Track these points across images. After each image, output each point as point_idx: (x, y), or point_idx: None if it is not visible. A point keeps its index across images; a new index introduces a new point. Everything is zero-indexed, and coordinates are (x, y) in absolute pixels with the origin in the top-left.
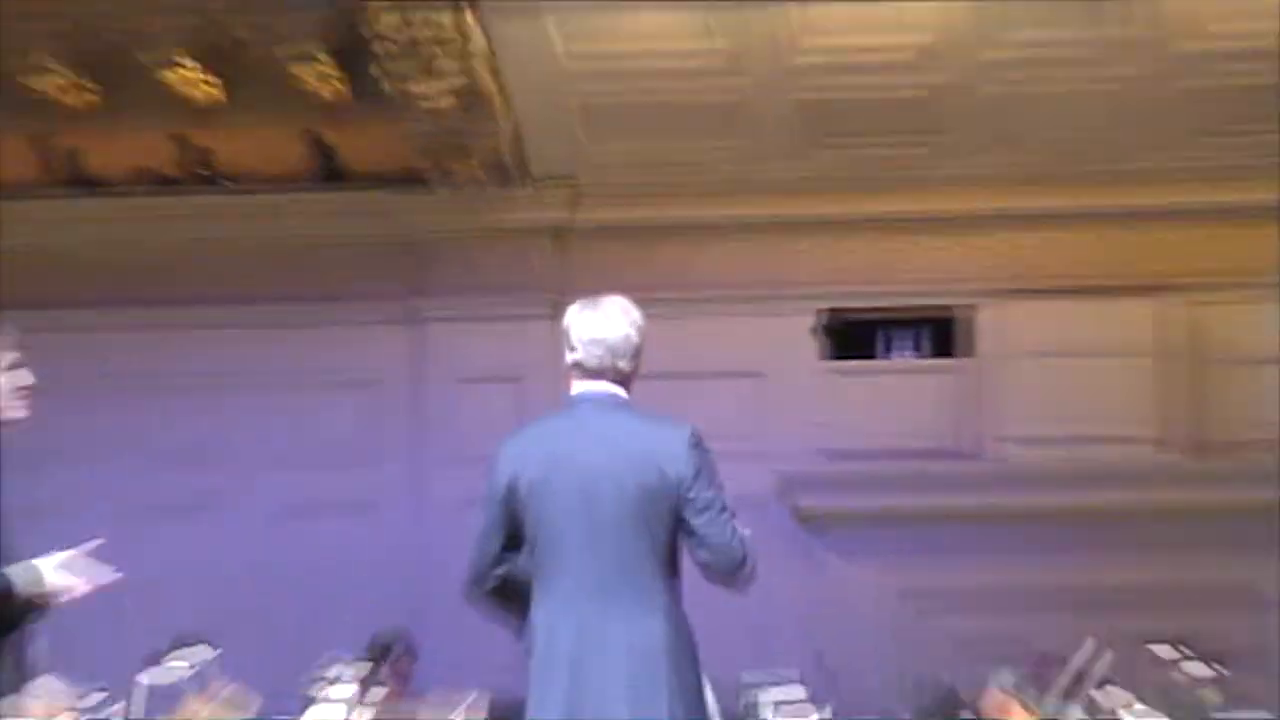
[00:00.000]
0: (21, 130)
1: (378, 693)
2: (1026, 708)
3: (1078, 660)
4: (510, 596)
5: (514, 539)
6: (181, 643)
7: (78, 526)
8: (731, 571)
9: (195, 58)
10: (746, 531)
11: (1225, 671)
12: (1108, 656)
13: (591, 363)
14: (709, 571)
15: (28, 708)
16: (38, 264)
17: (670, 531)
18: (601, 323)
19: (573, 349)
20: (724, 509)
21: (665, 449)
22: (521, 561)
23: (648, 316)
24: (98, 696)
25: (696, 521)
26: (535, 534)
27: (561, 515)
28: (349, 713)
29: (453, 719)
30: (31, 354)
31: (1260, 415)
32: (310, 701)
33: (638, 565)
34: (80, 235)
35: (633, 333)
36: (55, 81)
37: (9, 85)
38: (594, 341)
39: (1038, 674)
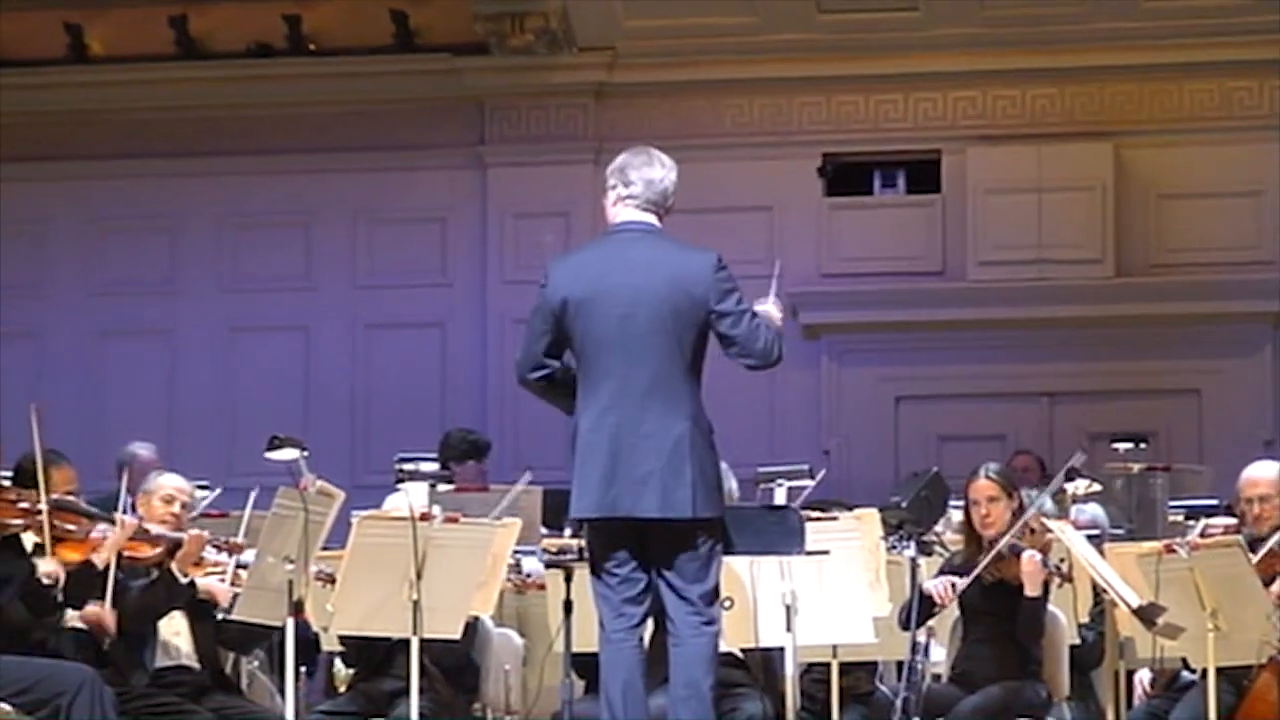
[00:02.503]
0: (134, 2)
1: (446, 488)
2: (1009, 494)
3: (1068, 465)
4: (555, 386)
5: (556, 345)
6: (275, 444)
7: (186, 346)
8: (769, 364)
9: None
10: (770, 307)
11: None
12: (1079, 459)
13: (639, 198)
14: (750, 368)
15: (150, 501)
16: (151, 120)
17: (696, 345)
18: (650, 166)
19: (628, 184)
20: (753, 315)
21: (693, 272)
22: (565, 362)
23: (675, 161)
24: (201, 492)
25: (733, 332)
26: (581, 344)
27: (603, 329)
28: (424, 499)
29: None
30: (159, 194)
31: (1196, 241)
32: (386, 494)
33: (668, 374)
34: (189, 95)
35: (671, 175)
36: None
37: None
38: (645, 181)
39: (1015, 463)
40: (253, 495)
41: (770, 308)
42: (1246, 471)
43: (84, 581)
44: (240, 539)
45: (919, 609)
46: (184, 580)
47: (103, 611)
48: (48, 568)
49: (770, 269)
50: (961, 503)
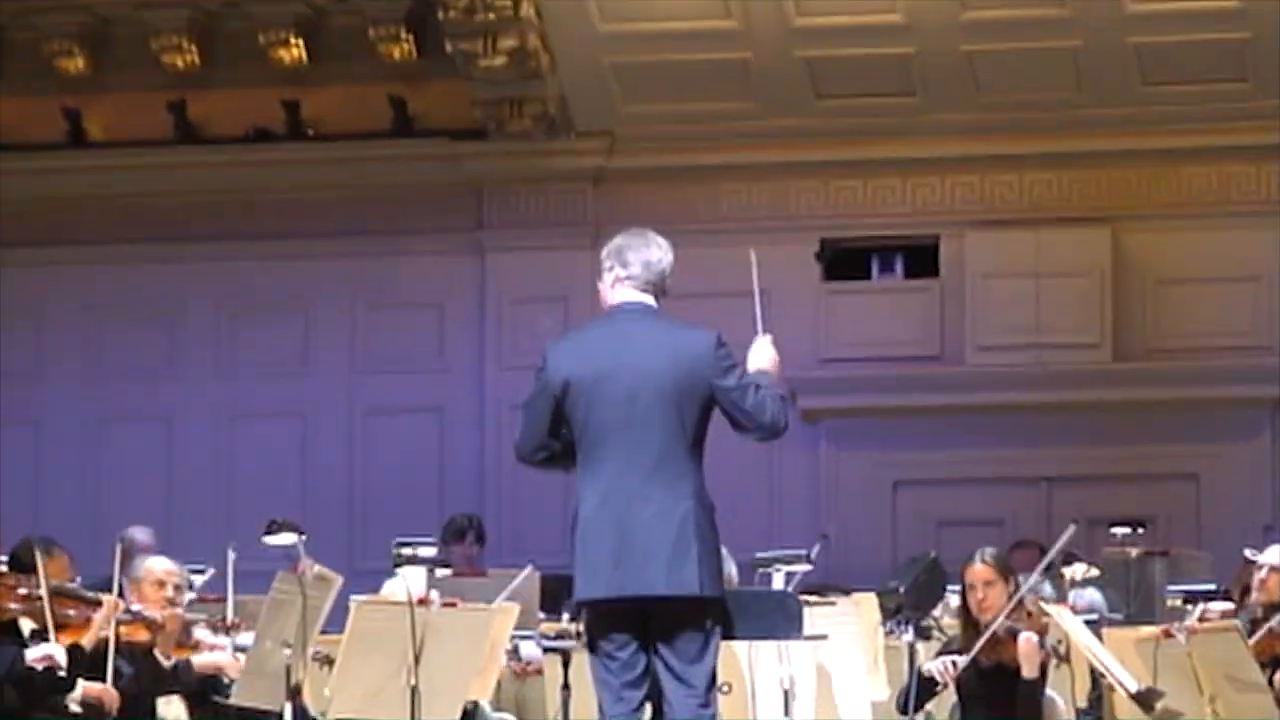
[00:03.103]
0: (132, 86)
1: (445, 573)
2: (1005, 578)
3: (1061, 541)
4: (556, 458)
5: (556, 426)
6: (273, 528)
7: (184, 431)
8: (776, 435)
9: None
10: (776, 393)
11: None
12: (1073, 533)
13: (638, 279)
14: (758, 441)
15: (141, 586)
16: (149, 205)
17: (698, 423)
18: (648, 248)
19: (626, 265)
20: (757, 388)
21: (695, 350)
22: (563, 449)
23: (674, 246)
24: (199, 577)
25: (740, 407)
26: (583, 425)
27: (606, 409)
28: (422, 583)
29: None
30: (157, 279)
31: (1195, 326)
32: (384, 579)
33: (672, 453)
34: (188, 180)
35: (667, 257)
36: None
37: (129, 47)
38: (643, 263)
39: (1015, 554)
40: (230, 558)
41: (763, 348)
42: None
43: (74, 664)
44: (232, 617)
45: (918, 692)
46: (167, 664)
47: (104, 689)
48: (37, 654)
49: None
50: (959, 587)
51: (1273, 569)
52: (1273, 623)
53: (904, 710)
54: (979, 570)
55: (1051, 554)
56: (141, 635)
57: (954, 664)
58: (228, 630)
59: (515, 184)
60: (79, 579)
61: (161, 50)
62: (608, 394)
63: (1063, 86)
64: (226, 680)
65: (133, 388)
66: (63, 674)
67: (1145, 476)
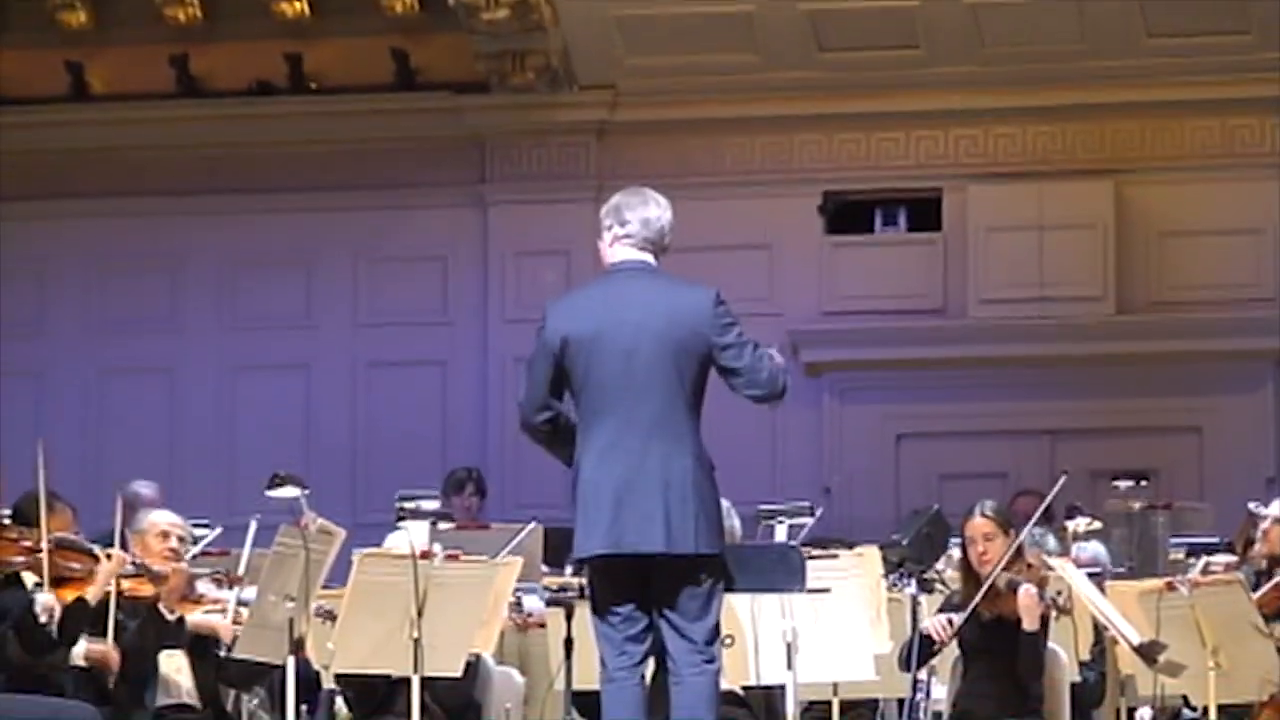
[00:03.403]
0: (135, 40)
1: (448, 526)
2: (1005, 531)
3: (1052, 492)
4: (559, 433)
5: (558, 386)
6: (276, 482)
7: (186, 385)
8: (775, 395)
9: None
10: (773, 352)
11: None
12: (1064, 483)
13: (636, 237)
14: (756, 401)
15: (145, 539)
16: (151, 159)
17: (697, 381)
18: (646, 206)
19: (624, 224)
20: (755, 346)
21: (693, 308)
22: (566, 408)
23: (676, 200)
24: (200, 530)
25: (737, 364)
26: (583, 383)
27: (605, 367)
28: (425, 537)
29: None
30: (159, 233)
31: (1198, 278)
32: (387, 533)
33: (670, 411)
34: (190, 134)
35: (666, 214)
36: None
37: (131, 1)
38: (641, 221)
39: (1019, 501)
40: (252, 528)
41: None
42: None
43: (78, 618)
44: (241, 573)
45: (919, 649)
46: (171, 617)
47: (106, 649)
48: (45, 600)
49: (771, 305)
50: (961, 540)
51: (1275, 521)
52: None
53: (906, 667)
54: (979, 523)
55: (1045, 504)
56: (145, 589)
57: (950, 622)
58: (231, 585)
59: (518, 137)
60: (81, 533)
61: (164, 4)
62: (606, 352)
63: (1066, 39)
64: (224, 642)
65: (135, 341)
66: (54, 631)
67: (1148, 429)
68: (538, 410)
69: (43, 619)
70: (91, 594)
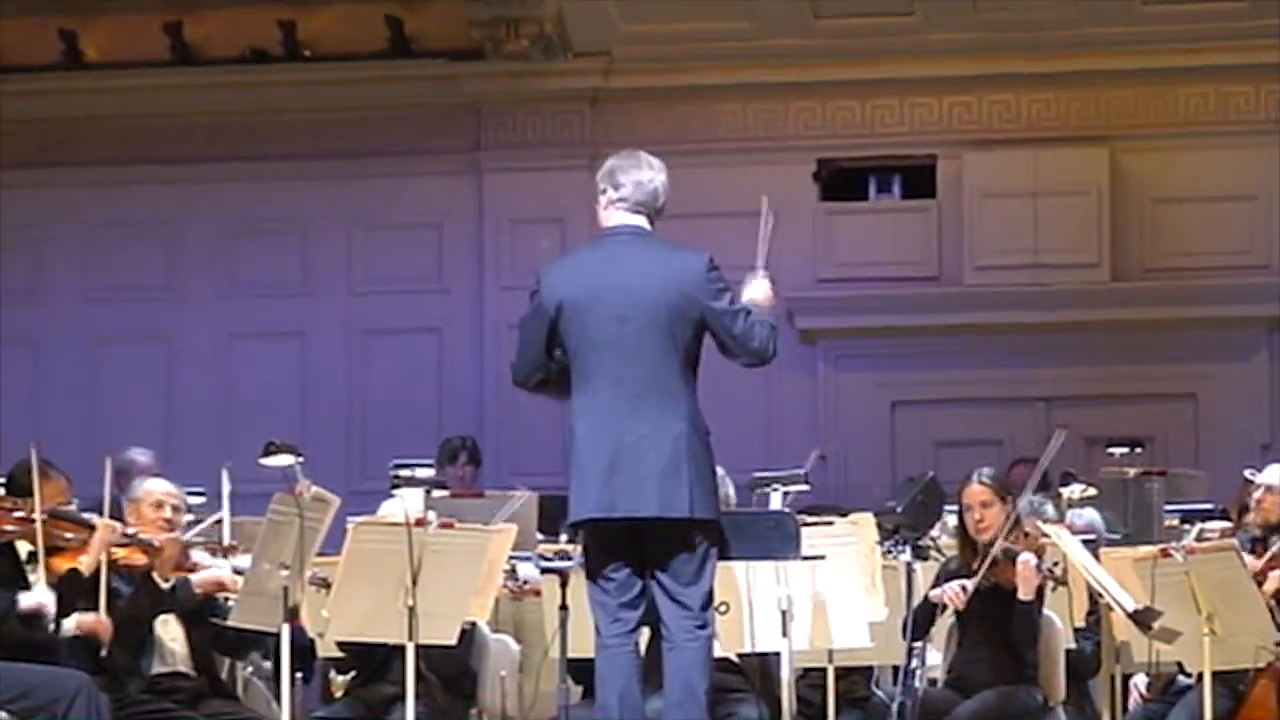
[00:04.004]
0: (129, 8)
1: (442, 494)
2: (1002, 499)
3: (1049, 452)
4: (551, 383)
5: (551, 348)
6: (271, 450)
7: (182, 352)
8: (764, 361)
9: None
10: (760, 304)
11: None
12: (1060, 443)
13: (629, 201)
14: (748, 365)
15: (140, 508)
16: (146, 127)
17: (690, 346)
18: (639, 169)
19: (618, 187)
20: (747, 313)
21: (686, 273)
22: (558, 374)
23: (670, 167)
24: (196, 499)
25: (729, 331)
26: (576, 347)
27: (598, 332)
28: (420, 504)
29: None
30: (155, 201)
31: (1192, 245)
32: (382, 501)
33: (664, 376)
34: (184, 102)
35: (660, 177)
36: None
37: None
38: (634, 184)
39: (1016, 469)
40: (226, 486)
41: (760, 285)
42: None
43: (73, 590)
44: (229, 540)
45: (925, 616)
46: (165, 585)
47: (98, 620)
48: (29, 603)
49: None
50: (957, 508)
51: (1269, 489)
52: (1275, 548)
53: (912, 635)
54: (976, 491)
55: (1043, 463)
56: (138, 559)
57: (964, 589)
58: (225, 553)
59: (513, 105)
60: (75, 501)
61: None
62: (600, 317)
63: (1061, 6)
64: (224, 600)
65: (131, 308)
66: (51, 624)
67: (1143, 396)
68: (530, 373)
69: (32, 617)
70: (85, 564)
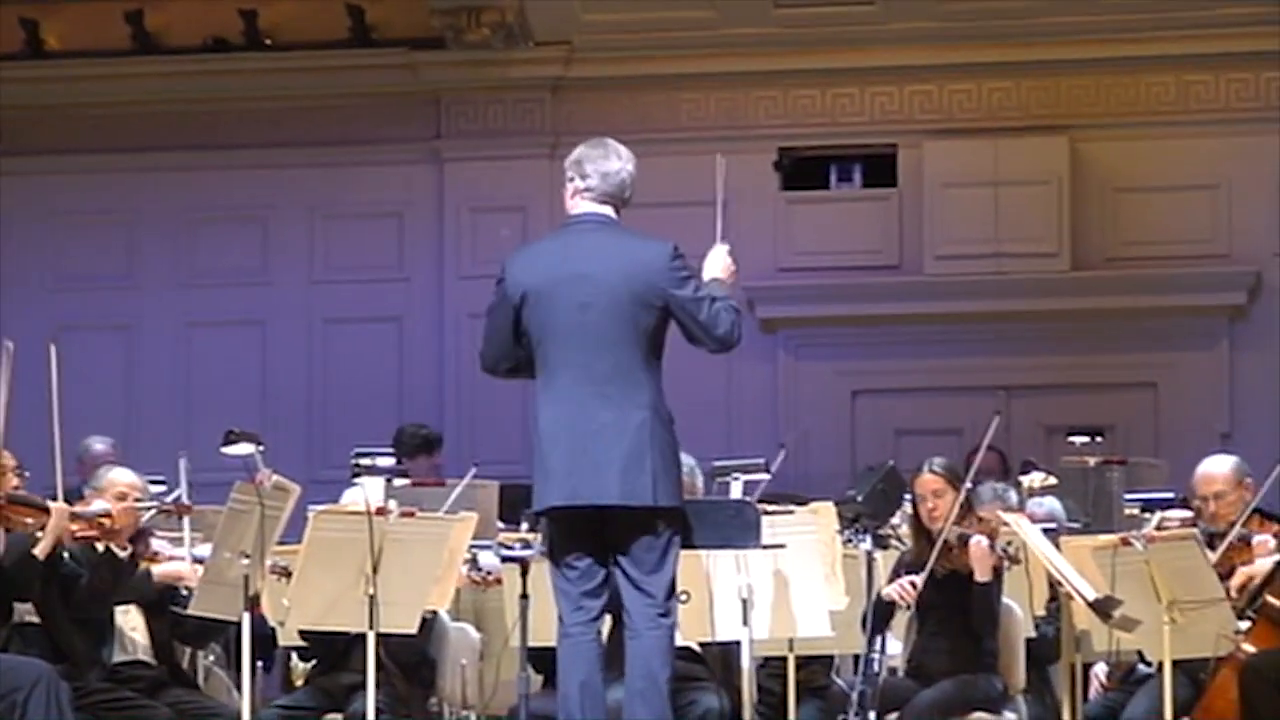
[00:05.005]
0: None
1: (402, 483)
2: (955, 487)
3: (988, 435)
4: (519, 369)
5: (517, 337)
6: (231, 438)
7: (142, 340)
8: (729, 348)
9: None
10: (730, 304)
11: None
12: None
13: (595, 190)
14: (711, 352)
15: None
16: (107, 115)
17: (654, 334)
18: (607, 159)
19: (584, 177)
20: (713, 300)
21: (650, 261)
22: (527, 358)
23: (632, 155)
24: (156, 487)
25: (695, 319)
26: (540, 336)
27: (562, 319)
28: (380, 493)
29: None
30: (115, 189)
31: (1153, 234)
32: (342, 489)
33: (628, 363)
34: (145, 90)
35: (627, 167)
36: None
37: None
38: (601, 174)
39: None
40: (183, 466)
41: (718, 257)
42: (1201, 468)
43: (27, 573)
44: (186, 502)
45: (880, 614)
46: (123, 554)
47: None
48: None
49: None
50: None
51: (1217, 496)
52: (1232, 537)
53: (872, 630)
54: (928, 480)
55: (981, 449)
56: (92, 533)
57: (913, 585)
58: (180, 516)
59: (473, 93)
60: (28, 488)
61: None
62: (563, 305)
63: None
64: (185, 590)
65: (91, 296)
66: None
67: (1103, 385)
68: (498, 361)
69: None
70: (40, 550)
